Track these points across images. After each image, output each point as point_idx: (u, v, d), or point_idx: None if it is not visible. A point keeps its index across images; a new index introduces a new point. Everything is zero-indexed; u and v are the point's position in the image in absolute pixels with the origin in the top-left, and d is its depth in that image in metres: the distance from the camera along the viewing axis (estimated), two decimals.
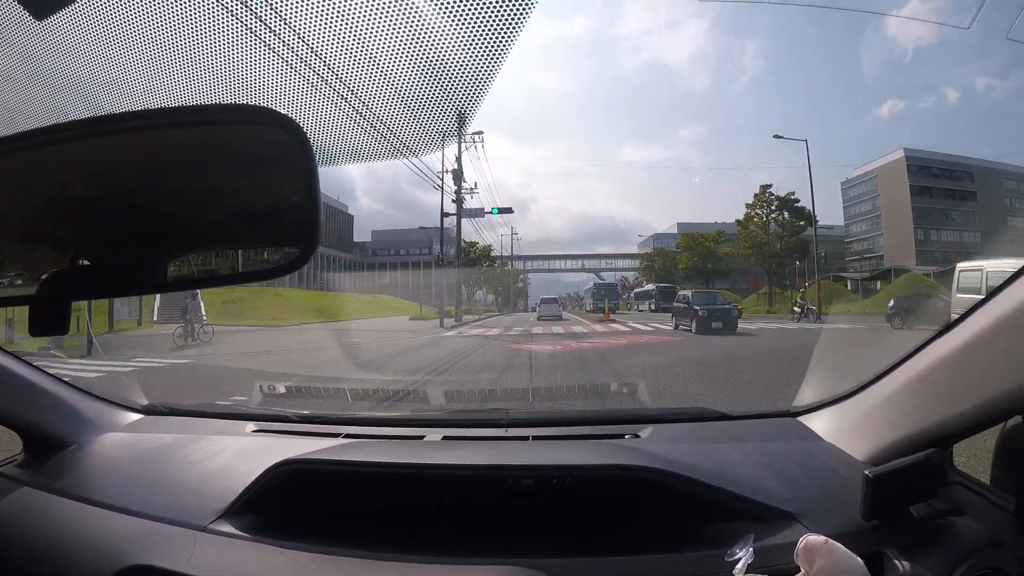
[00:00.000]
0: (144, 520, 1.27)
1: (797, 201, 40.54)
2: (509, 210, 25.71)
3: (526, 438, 1.65)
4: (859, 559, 0.97)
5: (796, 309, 22.50)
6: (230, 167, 0.75)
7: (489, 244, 43.36)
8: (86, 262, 0.81)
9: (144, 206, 0.75)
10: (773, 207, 40.74)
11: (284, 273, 0.78)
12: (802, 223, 39.65)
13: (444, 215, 23.86)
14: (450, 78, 1.69)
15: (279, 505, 1.29)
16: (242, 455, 1.55)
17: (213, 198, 0.75)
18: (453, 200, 22.45)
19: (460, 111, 1.89)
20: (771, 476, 1.30)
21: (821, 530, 1.03)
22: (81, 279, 0.81)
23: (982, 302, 1.05)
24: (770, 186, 41.05)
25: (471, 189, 21.56)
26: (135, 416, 1.87)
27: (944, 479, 1.14)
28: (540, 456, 1.44)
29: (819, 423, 1.55)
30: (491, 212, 25.44)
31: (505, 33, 1.49)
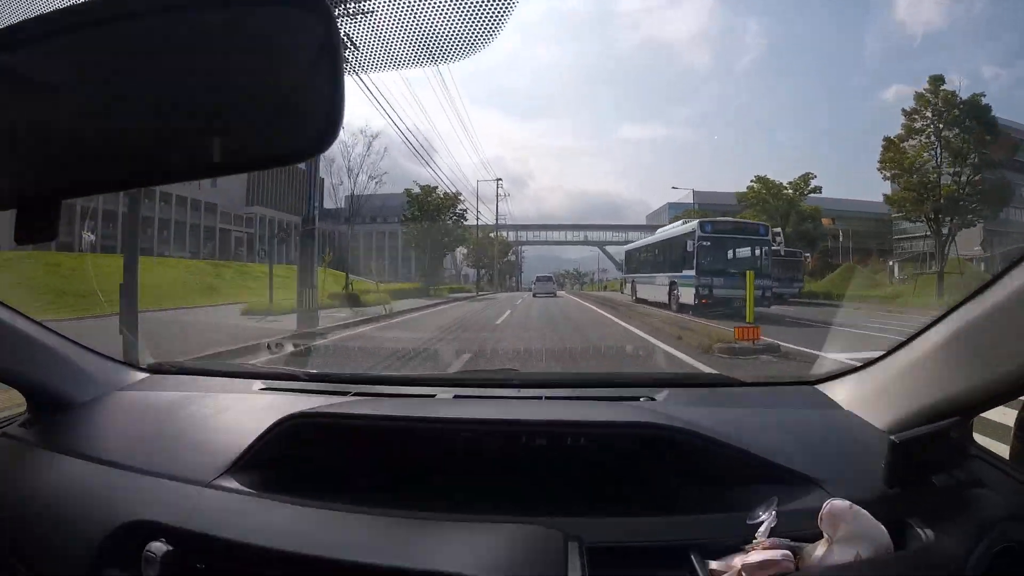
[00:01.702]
0: (147, 477, 1.25)
1: (988, 110, 22.96)
2: None
3: (539, 398, 1.64)
4: (883, 527, 0.95)
5: None
6: (235, 50, 0.70)
7: (456, 192, 30.15)
8: (80, 157, 0.75)
9: (137, 93, 0.70)
10: (947, 116, 22.86)
11: (297, 161, 0.75)
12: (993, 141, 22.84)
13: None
14: None
15: (286, 460, 1.28)
16: (249, 412, 1.54)
17: (212, 84, 0.70)
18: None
19: None
20: (791, 441, 1.28)
21: (843, 496, 1.01)
22: (74, 176, 0.75)
23: (1008, 269, 1.00)
24: (941, 80, 23.45)
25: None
26: (142, 375, 1.87)
27: (965, 451, 1.12)
28: (553, 413, 1.42)
29: (838, 391, 1.52)
30: None
31: None
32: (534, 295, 27.22)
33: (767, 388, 1.74)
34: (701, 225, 14.85)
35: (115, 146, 0.72)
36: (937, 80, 23.78)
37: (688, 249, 14.35)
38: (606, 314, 14.89)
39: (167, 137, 0.71)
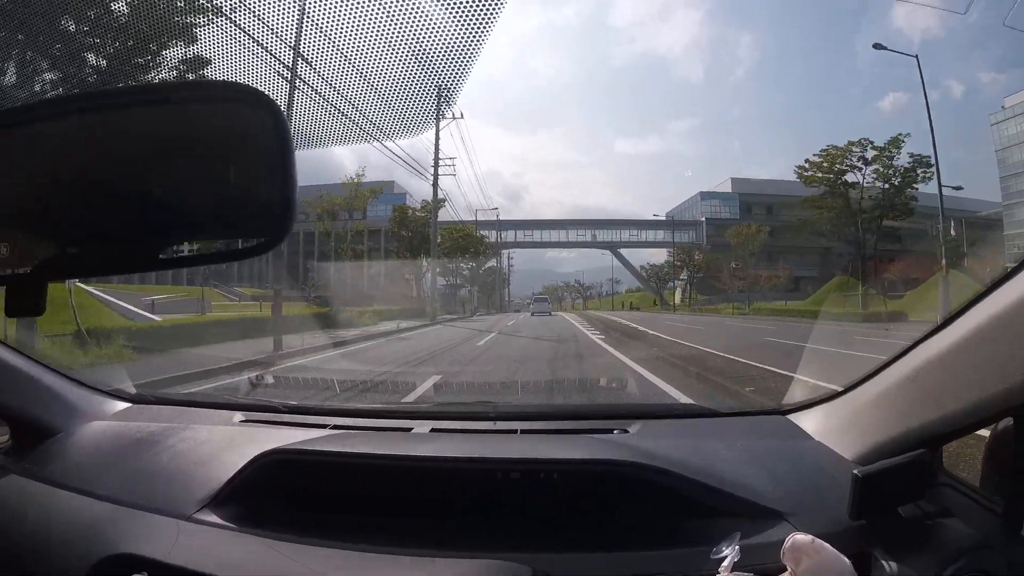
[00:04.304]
0: (128, 509, 1.26)
1: None
2: None
3: (514, 431, 1.66)
4: (846, 559, 0.97)
5: None
6: (201, 147, 0.74)
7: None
8: (63, 242, 0.79)
9: (113, 187, 0.74)
10: None
11: (258, 254, 0.77)
12: None
13: None
14: (429, 60, 1.64)
15: (264, 495, 1.30)
16: (228, 445, 1.55)
17: (182, 179, 0.73)
18: None
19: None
20: (759, 474, 1.31)
21: (808, 529, 1.03)
22: (58, 259, 0.79)
23: (974, 301, 1.02)
24: None
25: None
26: (124, 405, 1.87)
27: (933, 480, 1.13)
28: (527, 449, 1.44)
29: (809, 421, 1.54)
30: None
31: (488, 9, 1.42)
32: (532, 314, 33.28)
33: (739, 419, 1.77)
34: None
35: (82, 236, 0.77)
36: None
37: None
38: None
39: (125, 231, 0.75)
